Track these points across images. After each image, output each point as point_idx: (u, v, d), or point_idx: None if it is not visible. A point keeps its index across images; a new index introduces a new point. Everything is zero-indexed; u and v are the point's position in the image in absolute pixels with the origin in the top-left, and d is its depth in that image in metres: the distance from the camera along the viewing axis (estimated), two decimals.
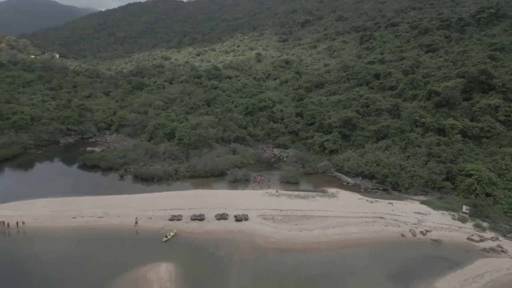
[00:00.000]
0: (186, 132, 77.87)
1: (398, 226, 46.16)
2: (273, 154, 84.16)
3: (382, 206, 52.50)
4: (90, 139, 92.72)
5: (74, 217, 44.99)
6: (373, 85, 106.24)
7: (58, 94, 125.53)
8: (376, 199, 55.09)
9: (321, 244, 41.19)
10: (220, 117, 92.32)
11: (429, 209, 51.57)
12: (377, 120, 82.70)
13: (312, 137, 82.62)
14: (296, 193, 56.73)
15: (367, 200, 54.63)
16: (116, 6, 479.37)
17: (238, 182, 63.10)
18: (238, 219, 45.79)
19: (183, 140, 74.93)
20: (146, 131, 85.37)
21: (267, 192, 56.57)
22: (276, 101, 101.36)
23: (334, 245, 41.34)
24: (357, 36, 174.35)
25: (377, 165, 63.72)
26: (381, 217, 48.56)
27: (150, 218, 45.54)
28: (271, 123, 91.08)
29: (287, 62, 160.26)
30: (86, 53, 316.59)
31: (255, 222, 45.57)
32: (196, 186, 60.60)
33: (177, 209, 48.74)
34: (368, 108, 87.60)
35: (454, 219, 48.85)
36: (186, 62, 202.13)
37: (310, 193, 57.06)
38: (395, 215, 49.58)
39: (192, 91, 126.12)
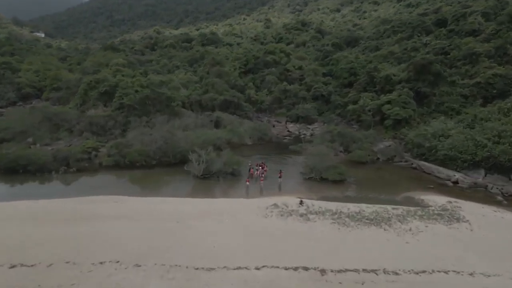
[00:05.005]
0: (138, 90, 43.81)
1: None
2: (288, 131, 49.56)
3: None
4: (1, 109, 59.70)
5: None
6: (437, 34, 69.98)
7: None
8: None
9: None
10: (202, 74, 58.02)
11: None
12: (472, 70, 47.09)
13: (356, 101, 47.59)
14: (352, 207, 21.93)
15: None
16: None
17: (212, 179, 28.80)
18: None
19: (123, 102, 40.88)
20: (78, 94, 51.61)
21: (275, 205, 21.96)
22: (291, 54, 66.40)
23: None
24: None
25: None
26: None
27: None
28: (284, 83, 56.28)
29: (304, 24, 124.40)
30: (79, 35, 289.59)
31: None
32: (127, 186, 26.70)
33: None
34: (449, 56, 52.10)
35: None
36: (181, 34, 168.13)
37: (388, 207, 22.16)
38: None
39: (175, 54, 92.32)
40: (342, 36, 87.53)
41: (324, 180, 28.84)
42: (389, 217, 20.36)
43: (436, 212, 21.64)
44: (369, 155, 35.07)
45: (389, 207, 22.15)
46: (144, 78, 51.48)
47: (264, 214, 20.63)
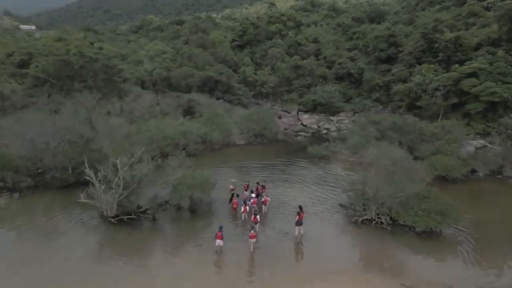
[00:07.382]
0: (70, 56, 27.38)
1: None
2: (301, 124, 32.71)
3: None
4: None
5: None
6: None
7: None
8: None
9: None
10: (180, 46, 41.49)
11: None
12: None
13: (405, 79, 30.87)
14: None
15: None
16: None
17: (142, 224, 12.25)
18: None
19: (27, 72, 24.56)
20: None
21: None
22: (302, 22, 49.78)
23: None
24: None
25: None
26: None
27: None
28: (295, 57, 39.45)
29: (314, 5, 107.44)
30: (74, 29, 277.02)
31: None
32: None
33: None
34: None
35: None
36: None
37: None
38: None
39: (160, 35, 76.10)
40: (364, 11, 70.67)
41: (397, 226, 12.23)
42: None
43: None
44: (465, 167, 18.31)
45: None
46: (91, 46, 34.96)
47: None
